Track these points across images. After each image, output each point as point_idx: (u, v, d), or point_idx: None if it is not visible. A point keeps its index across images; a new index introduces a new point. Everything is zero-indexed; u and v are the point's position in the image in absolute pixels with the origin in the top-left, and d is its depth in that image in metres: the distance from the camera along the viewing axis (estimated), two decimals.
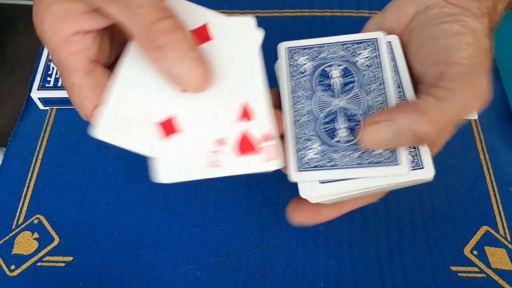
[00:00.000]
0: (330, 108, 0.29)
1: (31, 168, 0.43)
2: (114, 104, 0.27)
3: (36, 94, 0.44)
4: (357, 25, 0.52)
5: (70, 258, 0.38)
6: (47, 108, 0.46)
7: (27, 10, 0.59)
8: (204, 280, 0.37)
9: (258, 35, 0.29)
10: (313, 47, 0.32)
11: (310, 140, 0.28)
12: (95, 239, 0.39)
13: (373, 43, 0.31)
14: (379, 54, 0.30)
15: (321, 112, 0.29)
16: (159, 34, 0.23)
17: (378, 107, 0.28)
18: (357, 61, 0.30)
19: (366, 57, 0.30)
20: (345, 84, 0.29)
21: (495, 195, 0.41)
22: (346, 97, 0.29)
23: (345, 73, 0.30)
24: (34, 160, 0.43)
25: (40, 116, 0.46)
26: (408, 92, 0.29)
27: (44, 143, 0.44)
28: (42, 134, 0.45)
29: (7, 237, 0.39)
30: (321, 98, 0.30)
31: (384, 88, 0.28)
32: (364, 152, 0.27)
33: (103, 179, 0.42)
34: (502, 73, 0.48)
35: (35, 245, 0.39)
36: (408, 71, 0.29)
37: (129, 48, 0.27)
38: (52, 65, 0.46)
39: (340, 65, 0.30)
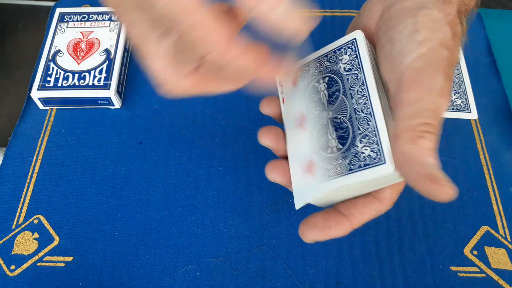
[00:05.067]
0: (321, 122, 0.29)
1: (31, 168, 0.43)
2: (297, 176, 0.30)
3: (36, 94, 0.44)
4: None
5: (70, 258, 0.38)
6: (47, 108, 0.46)
7: (27, 10, 0.59)
8: (204, 280, 0.37)
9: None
10: (302, 68, 0.32)
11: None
12: (95, 239, 0.39)
13: (352, 44, 0.30)
14: (358, 54, 0.29)
15: (314, 129, 0.29)
16: None
17: (363, 108, 0.28)
18: (340, 67, 0.29)
19: (347, 61, 0.29)
20: (331, 95, 0.29)
21: (495, 195, 0.41)
22: (333, 107, 0.29)
23: (330, 83, 0.29)
24: (34, 160, 0.43)
25: (40, 116, 0.46)
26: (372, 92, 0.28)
27: (44, 143, 0.44)
28: (42, 134, 0.45)
29: (7, 237, 0.39)
30: (314, 114, 0.30)
31: (366, 87, 0.28)
32: (353, 157, 0.27)
33: (103, 179, 0.42)
34: (502, 73, 0.48)
35: (35, 245, 0.39)
36: (373, 70, 0.28)
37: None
38: (52, 65, 0.46)
39: (325, 77, 0.30)
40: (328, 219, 0.29)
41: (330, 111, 0.29)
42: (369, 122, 0.27)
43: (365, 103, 0.27)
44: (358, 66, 0.28)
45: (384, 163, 0.26)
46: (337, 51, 0.30)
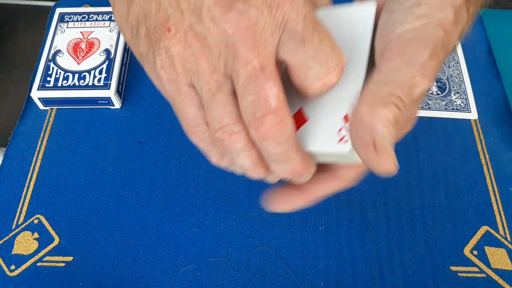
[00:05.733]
0: None
1: (31, 168, 0.43)
2: None
3: (36, 94, 0.44)
4: None
5: (70, 258, 0.38)
6: (47, 108, 0.46)
7: (27, 10, 0.59)
8: (204, 280, 0.37)
9: (371, 19, 0.28)
10: None
11: None
12: (95, 239, 0.39)
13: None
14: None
15: None
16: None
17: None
18: None
19: None
20: None
21: (495, 195, 0.41)
22: None
23: None
24: (34, 160, 0.43)
25: (40, 116, 0.46)
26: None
27: (44, 143, 0.44)
28: (42, 134, 0.45)
29: (7, 237, 0.39)
30: None
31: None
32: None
33: (103, 179, 0.42)
34: (502, 73, 0.48)
35: (35, 245, 0.39)
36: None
37: None
38: (52, 65, 0.46)
39: None
40: (284, 193, 0.29)
41: None
42: None
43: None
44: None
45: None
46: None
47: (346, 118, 0.26)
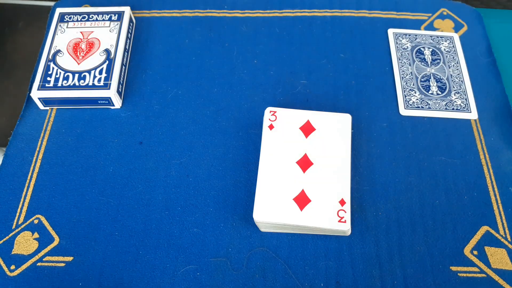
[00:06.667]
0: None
1: (31, 168, 0.43)
2: (262, 193, 0.37)
3: (36, 94, 0.44)
4: (357, 25, 0.52)
5: (70, 258, 0.38)
6: (47, 108, 0.46)
7: (27, 10, 0.59)
8: (204, 280, 0.37)
9: (349, 126, 0.40)
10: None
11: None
12: (95, 239, 0.39)
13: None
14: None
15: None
16: None
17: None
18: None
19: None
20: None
21: (495, 195, 0.41)
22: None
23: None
24: (34, 160, 0.43)
25: (40, 116, 0.46)
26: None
27: (44, 143, 0.44)
28: (42, 134, 0.45)
29: (7, 237, 0.39)
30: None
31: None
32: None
33: (103, 179, 0.42)
34: (502, 73, 0.48)
35: (35, 245, 0.39)
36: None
37: (262, 153, 0.39)
38: (52, 65, 0.46)
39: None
40: None
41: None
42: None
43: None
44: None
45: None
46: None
47: (341, 202, 0.36)
